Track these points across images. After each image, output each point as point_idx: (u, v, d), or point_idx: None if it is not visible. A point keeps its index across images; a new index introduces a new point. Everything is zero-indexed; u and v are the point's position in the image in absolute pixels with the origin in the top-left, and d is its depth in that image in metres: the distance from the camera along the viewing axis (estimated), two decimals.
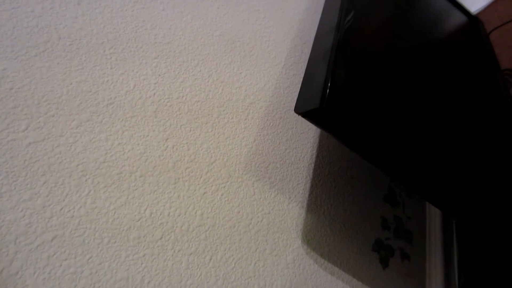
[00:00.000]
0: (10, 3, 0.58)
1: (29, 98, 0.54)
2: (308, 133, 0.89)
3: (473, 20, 1.26)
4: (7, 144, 0.50)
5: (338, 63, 0.61)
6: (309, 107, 0.57)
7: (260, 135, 0.79)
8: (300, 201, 0.78)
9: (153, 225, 0.58)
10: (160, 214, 0.59)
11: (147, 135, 0.64)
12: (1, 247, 0.46)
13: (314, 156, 0.86)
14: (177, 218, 0.61)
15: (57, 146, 0.54)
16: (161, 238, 0.58)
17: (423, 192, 0.68)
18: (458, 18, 1.21)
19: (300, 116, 0.59)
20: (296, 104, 0.61)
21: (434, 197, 0.68)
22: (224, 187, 0.69)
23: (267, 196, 0.74)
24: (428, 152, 0.70)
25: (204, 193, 0.66)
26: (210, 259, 0.62)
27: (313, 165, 0.85)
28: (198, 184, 0.66)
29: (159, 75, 0.70)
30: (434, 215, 1.02)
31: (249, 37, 0.92)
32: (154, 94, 0.68)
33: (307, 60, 0.71)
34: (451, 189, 0.69)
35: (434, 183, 0.68)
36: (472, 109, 0.88)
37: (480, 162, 0.78)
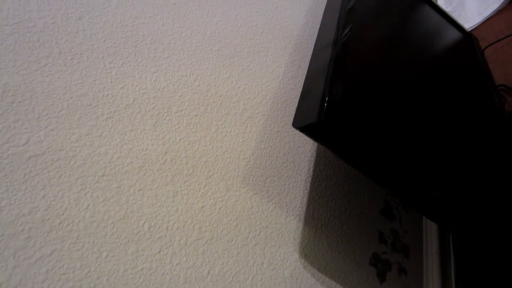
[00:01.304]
0: (13, 18, 0.59)
1: (29, 112, 0.55)
2: (305, 147, 0.89)
3: (468, 37, 1.28)
4: (8, 158, 0.50)
5: (336, 78, 0.62)
6: (306, 122, 0.58)
7: (258, 149, 0.80)
8: (297, 215, 0.78)
9: (151, 239, 0.58)
10: (159, 228, 0.60)
11: (146, 149, 0.64)
12: (0, 261, 0.46)
13: (311, 170, 0.87)
14: (175, 232, 0.61)
15: (57, 160, 0.54)
16: (159, 252, 0.58)
17: (419, 206, 0.68)
18: (453, 35, 1.23)
19: (297, 131, 0.59)
20: (294, 118, 0.62)
21: (431, 211, 0.68)
22: (222, 200, 0.69)
23: (265, 209, 0.74)
24: (424, 167, 0.71)
25: (202, 206, 0.66)
26: (208, 273, 0.62)
27: (310, 179, 0.86)
28: (196, 197, 0.66)
29: (159, 89, 0.71)
30: (430, 229, 1.02)
31: (247, 52, 0.93)
32: (153, 108, 0.68)
33: (304, 75, 0.72)
34: (448, 203, 0.70)
35: (430, 197, 0.69)
36: (467, 124, 0.89)
37: (476, 177, 0.78)
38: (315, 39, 0.79)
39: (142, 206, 0.59)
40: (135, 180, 0.60)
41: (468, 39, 1.27)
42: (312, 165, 0.88)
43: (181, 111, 0.72)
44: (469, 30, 1.35)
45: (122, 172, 0.60)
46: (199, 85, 0.78)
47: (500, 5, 1.43)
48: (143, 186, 0.61)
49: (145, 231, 0.58)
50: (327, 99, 0.58)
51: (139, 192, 0.60)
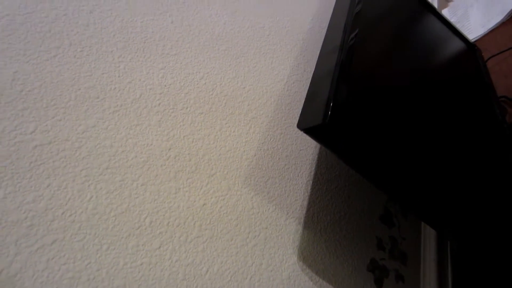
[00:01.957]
0: (25, 8, 0.59)
1: (38, 101, 0.55)
2: (308, 150, 0.90)
3: (471, 47, 1.29)
4: (14, 145, 0.50)
5: (341, 82, 0.63)
6: (311, 124, 0.58)
7: (260, 149, 0.80)
8: (297, 217, 0.78)
9: (152, 234, 0.58)
10: (160, 224, 0.60)
11: (151, 144, 0.64)
12: (2, 248, 0.46)
13: (313, 173, 0.87)
14: (176, 228, 0.61)
15: (63, 150, 0.54)
16: (159, 247, 0.58)
17: (419, 211, 0.69)
18: (457, 45, 1.24)
19: (300, 133, 0.60)
20: (299, 120, 0.62)
21: (430, 218, 0.68)
22: (224, 199, 0.69)
23: (265, 210, 0.74)
24: (426, 173, 0.71)
25: (204, 204, 0.66)
26: (207, 271, 0.62)
27: (311, 182, 0.86)
28: (198, 195, 0.66)
29: (165, 86, 0.71)
30: (429, 237, 1.03)
31: (254, 53, 0.93)
32: (159, 104, 0.69)
33: (309, 78, 0.73)
34: (447, 210, 0.70)
35: (430, 204, 0.69)
36: (468, 133, 0.90)
37: (476, 186, 0.79)
38: (320, 43, 0.80)
39: (144, 200, 0.59)
40: (138, 174, 0.61)
41: (472, 49, 1.29)
42: (313, 168, 0.88)
43: (187, 108, 0.73)
44: (472, 41, 1.36)
45: (126, 166, 0.60)
46: (205, 83, 0.78)
47: (503, 18, 1.44)
48: (146, 181, 0.61)
49: (146, 226, 0.58)
50: (332, 102, 0.58)
51: (142, 186, 0.60)
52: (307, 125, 0.59)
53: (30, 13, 0.60)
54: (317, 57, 0.78)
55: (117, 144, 0.60)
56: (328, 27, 0.87)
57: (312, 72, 0.72)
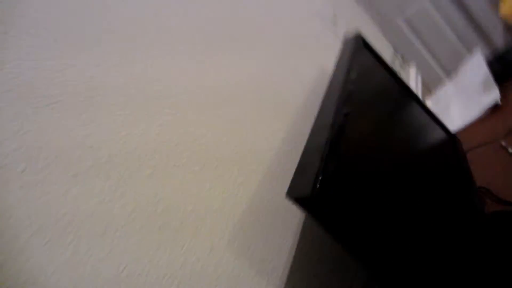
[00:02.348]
0: (35, 53, 0.62)
1: (32, 142, 0.55)
2: (293, 220, 0.91)
3: (452, 138, 1.36)
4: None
5: (330, 158, 0.66)
6: (300, 195, 0.61)
7: (247, 213, 0.81)
8: (277, 285, 0.76)
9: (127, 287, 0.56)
10: (137, 276, 0.58)
11: (140, 193, 0.64)
12: None
13: (297, 242, 0.87)
14: (153, 285, 0.59)
15: (48, 192, 0.54)
16: None
17: None
18: (439, 135, 1.31)
19: (287, 202, 0.61)
20: (288, 189, 0.65)
21: None
22: (205, 259, 0.68)
23: (247, 275, 0.73)
24: (409, 256, 0.72)
25: (184, 261, 0.65)
26: None
27: (294, 251, 0.85)
28: (180, 252, 0.65)
29: (160, 134, 0.73)
30: None
31: (250, 122, 0.97)
32: (154, 157, 0.70)
33: (299, 151, 0.75)
34: None
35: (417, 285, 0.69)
36: (448, 222, 0.92)
37: (463, 271, 0.79)
38: (312, 118, 0.84)
39: (125, 250, 0.58)
40: (122, 224, 0.60)
41: (453, 140, 1.36)
42: (297, 237, 0.88)
43: (179, 166, 0.74)
44: (454, 131, 1.44)
45: (111, 215, 0.59)
46: (199, 144, 0.80)
47: (481, 113, 1.54)
48: (130, 230, 0.60)
49: (123, 278, 0.56)
50: (321, 177, 0.61)
51: (123, 237, 0.59)
52: (295, 195, 0.62)
53: (38, 60, 0.62)
54: (309, 131, 0.82)
55: (105, 192, 0.60)
56: (320, 105, 0.92)
57: (303, 145, 0.75)
